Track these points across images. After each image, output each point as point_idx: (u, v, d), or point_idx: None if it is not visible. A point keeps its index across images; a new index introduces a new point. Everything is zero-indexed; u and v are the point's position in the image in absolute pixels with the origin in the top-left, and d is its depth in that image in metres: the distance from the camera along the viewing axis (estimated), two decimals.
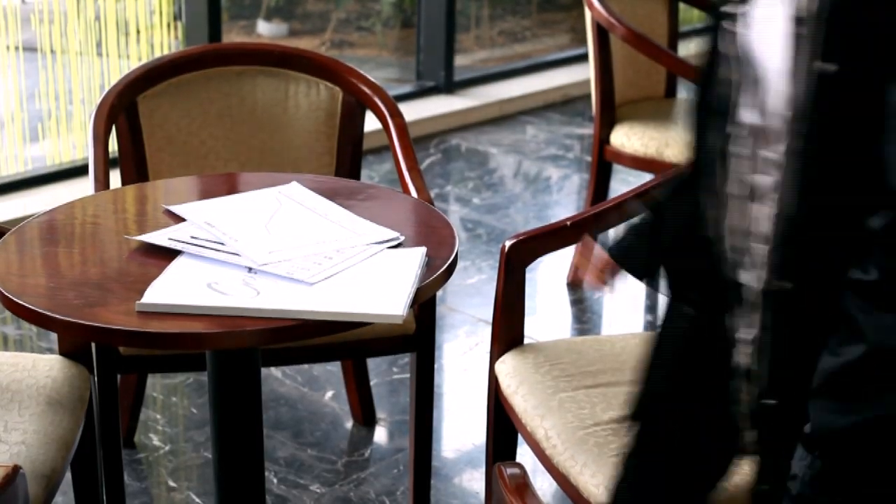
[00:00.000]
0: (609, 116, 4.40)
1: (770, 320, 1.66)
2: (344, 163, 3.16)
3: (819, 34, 1.50)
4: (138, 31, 5.40)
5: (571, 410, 2.42)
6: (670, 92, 4.80)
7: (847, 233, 1.53)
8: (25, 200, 4.90)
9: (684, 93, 4.77)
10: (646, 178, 4.61)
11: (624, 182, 5.36)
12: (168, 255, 2.12)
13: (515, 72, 7.09)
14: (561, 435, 2.37)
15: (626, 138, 4.35)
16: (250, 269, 2.05)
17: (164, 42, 5.47)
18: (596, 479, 2.24)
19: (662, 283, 1.92)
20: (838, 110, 1.50)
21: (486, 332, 3.76)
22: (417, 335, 2.84)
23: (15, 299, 1.98)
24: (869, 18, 1.46)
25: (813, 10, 1.51)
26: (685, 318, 1.87)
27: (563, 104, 6.90)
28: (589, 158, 5.81)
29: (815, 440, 1.54)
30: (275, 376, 3.77)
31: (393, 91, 6.24)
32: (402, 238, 2.15)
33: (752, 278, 1.68)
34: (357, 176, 3.17)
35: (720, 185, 1.70)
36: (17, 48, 5.24)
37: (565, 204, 5.46)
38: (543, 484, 3.12)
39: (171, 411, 3.60)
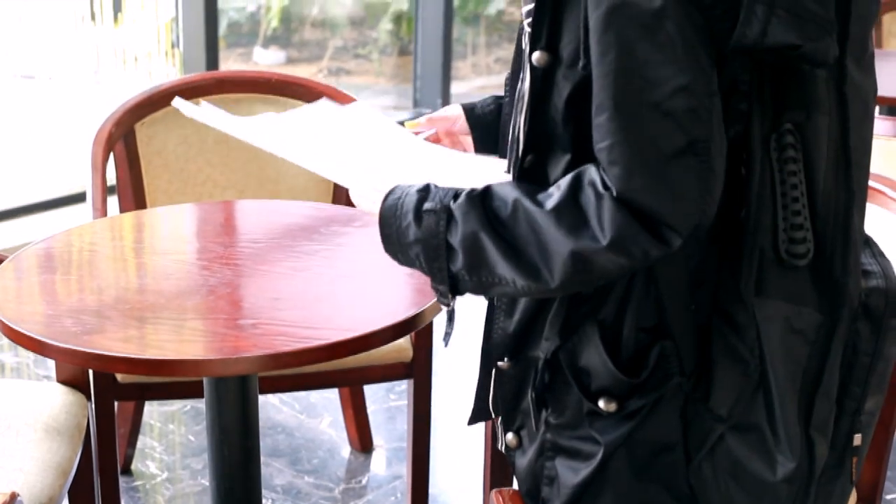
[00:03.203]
0: None
1: None
2: (342, 190, 3.17)
3: (536, 28, 1.63)
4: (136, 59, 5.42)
5: None
6: None
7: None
8: (23, 228, 4.91)
9: None
10: None
11: None
12: (170, 284, 2.12)
13: None
14: None
15: None
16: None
17: (162, 69, 5.49)
18: None
19: None
20: (550, 90, 1.64)
21: None
22: (414, 362, 2.84)
23: (13, 326, 1.98)
24: (565, 14, 1.60)
25: (527, 7, 1.65)
26: None
27: None
28: None
29: None
30: (272, 403, 3.77)
31: (390, 118, 6.24)
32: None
33: None
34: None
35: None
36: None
37: None
38: None
39: (169, 439, 3.59)
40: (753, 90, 1.57)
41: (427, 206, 1.66)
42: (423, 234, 1.66)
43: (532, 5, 1.64)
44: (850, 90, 1.63)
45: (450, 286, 1.67)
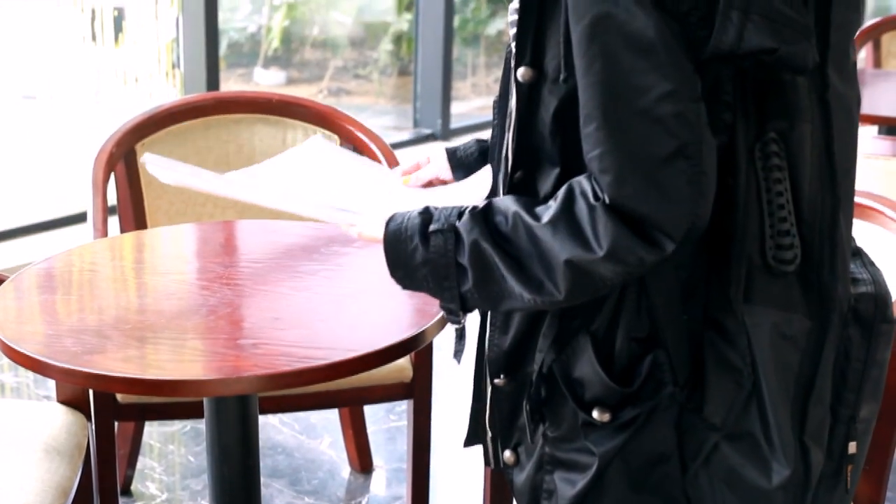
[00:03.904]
0: None
1: None
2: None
3: (520, 44, 1.65)
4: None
5: None
6: None
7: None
8: (24, 248, 4.91)
9: None
10: None
11: None
12: (170, 304, 2.13)
13: None
14: None
15: None
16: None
17: (162, 90, 5.50)
18: None
19: None
20: (536, 105, 1.66)
21: None
22: (414, 382, 2.84)
23: (13, 346, 1.98)
24: (547, 30, 1.62)
25: (513, 21, 1.66)
26: None
27: None
28: None
29: None
30: (272, 424, 3.77)
31: (390, 139, 6.25)
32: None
33: None
34: None
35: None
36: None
37: None
38: None
39: (169, 459, 3.59)
40: (737, 101, 1.58)
41: (433, 227, 1.67)
42: (432, 255, 1.67)
43: (515, 19, 1.65)
44: (833, 98, 1.65)
45: (460, 304, 1.68)
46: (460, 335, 1.90)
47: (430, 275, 1.68)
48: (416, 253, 1.69)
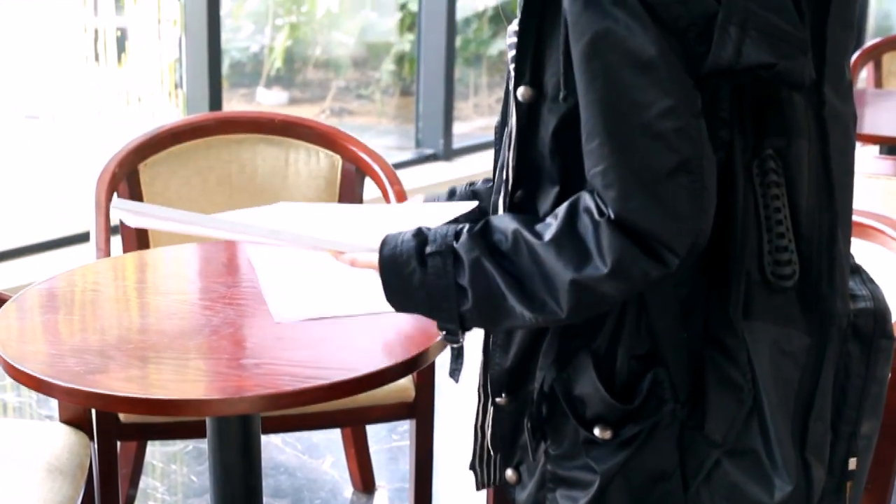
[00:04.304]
0: None
1: None
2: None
3: (520, 64, 1.66)
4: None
5: None
6: None
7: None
8: (26, 268, 4.91)
9: None
10: None
11: None
12: (173, 324, 2.13)
13: None
14: None
15: None
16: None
17: (165, 110, 5.51)
18: None
19: None
20: (536, 124, 1.67)
21: None
22: (417, 402, 2.84)
23: (16, 365, 1.99)
24: (547, 49, 1.64)
25: (512, 42, 1.68)
26: None
27: None
28: None
29: None
30: (274, 444, 3.76)
31: (392, 159, 6.27)
32: None
33: None
34: None
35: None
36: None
37: None
38: None
39: (171, 479, 3.59)
40: (734, 118, 1.59)
41: (430, 248, 1.67)
42: (430, 277, 1.67)
43: (514, 40, 1.66)
44: (829, 116, 1.66)
45: (459, 324, 1.68)
46: (457, 354, 1.90)
47: (428, 297, 1.69)
48: (414, 276, 1.69)
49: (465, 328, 1.71)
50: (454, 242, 1.66)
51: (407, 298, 1.72)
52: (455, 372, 1.93)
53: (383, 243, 1.73)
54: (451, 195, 2.14)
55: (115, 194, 2.05)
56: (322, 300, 2.13)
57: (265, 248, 2.22)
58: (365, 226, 2.07)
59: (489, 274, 1.63)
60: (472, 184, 2.14)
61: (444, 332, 1.76)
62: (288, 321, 2.10)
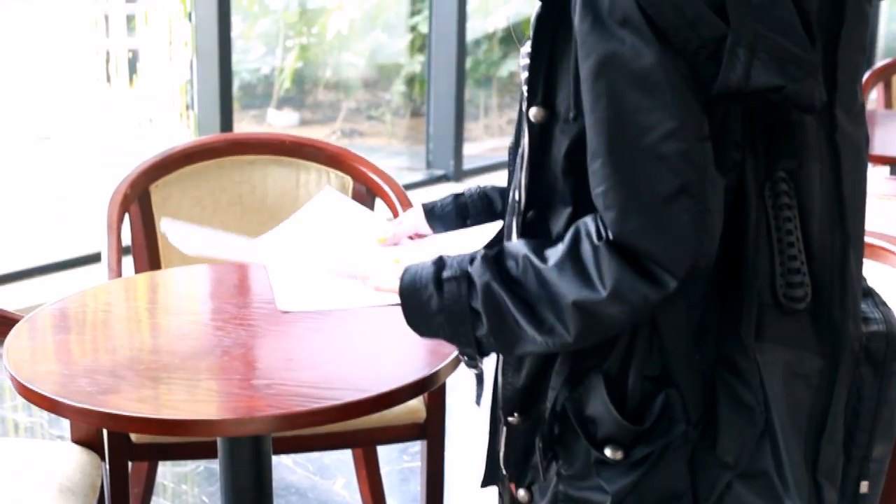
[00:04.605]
0: None
1: None
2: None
3: (532, 84, 1.67)
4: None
5: None
6: None
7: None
8: (38, 288, 4.92)
9: None
10: None
11: None
12: (184, 344, 2.13)
13: None
14: None
15: None
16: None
17: (176, 131, 5.52)
18: None
19: None
20: (549, 144, 1.67)
21: None
22: (428, 423, 2.84)
23: (28, 386, 1.99)
24: (559, 70, 1.64)
25: (525, 62, 1.68)
26: None
27: None
28: None
29: None
30: (285, 464, 3.76)
31: (403, 180, 6.27)
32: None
33: None
34: None
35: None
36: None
37: None
38: None
39: (182, 500, 3.59)
40: (745, 140, 1.60)
41: (446, 273, 1.68)
42: (447, 302, 1.68)
43: (527, 62, 1.67)
44: (841, 139, 1.66)
45: (476, 349, 1.69)
46: (479, 380, 1.91)
47: (446, 322, 1.70)
48: (432, 301, 1.70)
49: (483, 353, 1.72)
50: (468, 267, 1.67)
51: (426, 324, 1.73)
52: (479, 397, 1.94)
53: (405, 271, 1.75)
54: (458, 198, 2.15)
55: (163, 218, 2.07)
56: (327, 292, 2.13)
57: (276, 240, 2.23)
58: (397, 247, 2.11)
59: (499, 298, 1.63)
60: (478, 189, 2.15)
61: (464, 358, 1.77)
62: (291, 310, 2.11)
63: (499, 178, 6.87)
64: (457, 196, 2.16)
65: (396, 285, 1.75)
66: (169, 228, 2.05)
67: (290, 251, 2.01)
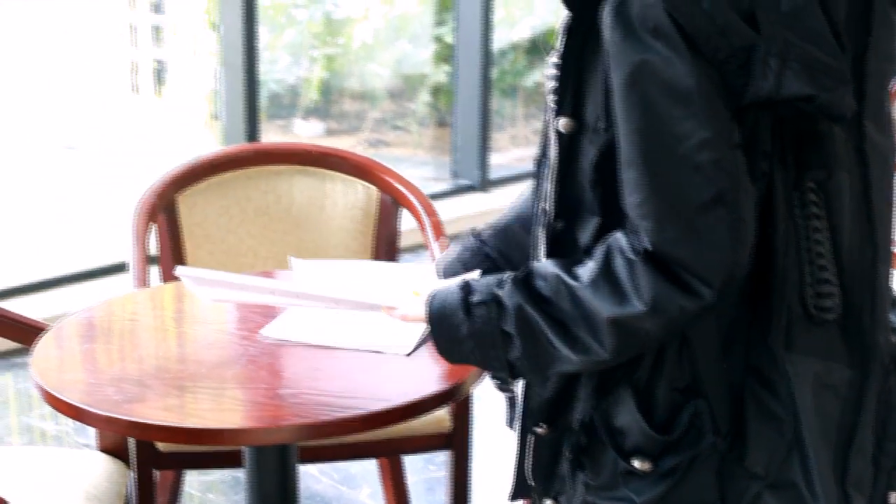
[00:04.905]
0: None
1: None
2: (380, 261, 3.18)
3: (560, 95, 1.67)
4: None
5: None
6: None
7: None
8: (65, 297, 4.93)
9: None
10: None
11: None
12: (210, 353, 2.13)
13: None
14: None
15: None
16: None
17: (202, 141, 5.54)
18: None
19: None
20: (576, 155, 1.67)
21: None
22: (454, 433, 2.84)
23: (55, 394, 2.00)
24: (587, 80, 1.64)
25: (552, 73, 1.68)
26: None
27: None
28: None
29: None
30: (311, 474, 3.76)
31: (428, 190, 6.24)
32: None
33: None
34: None
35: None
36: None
37: None
38: None
39: None
40: (775, 150, 1.59)
41: (475, 298, 1.68)
42: (477, 326, 1.68)
43: (556, 73, 1.66)
44: (870, 149, 1.66)
45: (509, 372, 1.69)
46: (511, 403, 1.90)
47: (477, 346, 1.69)
48: (462, 326, 1.69)
49: (516, 376, 1.72)
50: (498, 290, 1.66)
51: (457, 350, 1.72)
52: (512, 420, 1.93)
53: (433, 297, 1.74)
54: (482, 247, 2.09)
55: (178, 267, 2.06)
56: (314, 329, 2.15)
57: (298, 277, 2.23)
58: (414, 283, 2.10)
59: (532, 319, 1.63)
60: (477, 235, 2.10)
61: (496, 382, 1.77)
62: (268, 339, 2.16)
63: (524, 189, 6.82)
64: (481, 243, 2.08)
65: (423, 312, 1.75)
66: (185, 277, 2.04)
67: (311, 288, 2.01)
